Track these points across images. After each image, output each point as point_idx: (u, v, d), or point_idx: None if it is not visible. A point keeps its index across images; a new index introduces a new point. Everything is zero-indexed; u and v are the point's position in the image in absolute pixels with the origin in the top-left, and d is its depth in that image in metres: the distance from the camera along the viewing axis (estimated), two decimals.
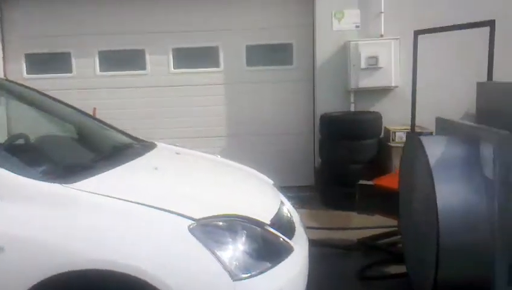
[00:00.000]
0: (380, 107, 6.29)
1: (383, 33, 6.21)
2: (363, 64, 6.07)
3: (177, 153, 3.57)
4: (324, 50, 6.37)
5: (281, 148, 6.71)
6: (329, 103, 6.36)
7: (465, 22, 4.42)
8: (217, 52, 6.69)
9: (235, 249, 2.44)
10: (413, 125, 4.74)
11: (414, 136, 3.29)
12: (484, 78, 4.15)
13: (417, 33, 4.61)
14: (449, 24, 4.73)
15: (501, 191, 2.60)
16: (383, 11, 6.19)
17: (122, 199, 2.43)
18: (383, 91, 6.30)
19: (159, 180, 2.86)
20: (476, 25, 3.95)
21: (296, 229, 3.07)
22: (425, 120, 5.80)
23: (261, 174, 3.65)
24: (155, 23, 6.55)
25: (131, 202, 2.44)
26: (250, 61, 6.69)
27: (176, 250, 2.35)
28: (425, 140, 3.00)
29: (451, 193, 2.78)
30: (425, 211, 3.00)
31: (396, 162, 5.50)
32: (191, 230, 2.38)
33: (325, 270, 2.95)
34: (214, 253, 2.35)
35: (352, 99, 6.35)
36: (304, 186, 6.57)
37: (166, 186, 2.79)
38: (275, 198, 3.21)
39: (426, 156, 2.89)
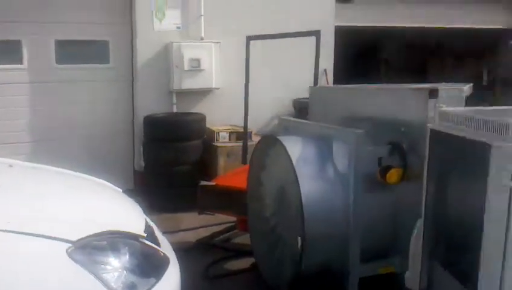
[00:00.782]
0: (202, 108, 6.39)
1: (203, 36, 6.33)
2: (186, 66, 6.10)
3: (10, 166, 3.03)
4: (145, 50, 6.19)
5: (98, 152, 6.25)
6: (150, 104, 6.22)
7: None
8: (20, 47, 5.90)
9: (120, 269, 2.22)
10: (245, 125, 4.97)
11: (272, 137, 3.44)
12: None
13: (249, 38, 4.86)
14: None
15: (356, 184, 2.93)
16: (203, 14, 6.29)
17: None
18: (205, 92, 6.43)
19: (7, 200, 2.38)
20: (303, 34, 4.36)
21: (158, 237, 2.93)
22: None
23: (109, 183, 3.37)
24: None
25: None
26: (60, 59, 6.07)
27: (56, 281, 2.03)
28: (284, 140, 3.18)
29: (312, 188, 3.01)
30: (287, 206, 3.20)
31: (221, 161, 5.71)
32: (69, 254, 2.07)
33: None
34: (99, 277, 2.10)
35: (174, 101, 6.32)
36: (124, 191, 6.26)
37: (20, 206, 2.34)
38: (136, 208, 3.00)
39: (288, 155, 3.07)
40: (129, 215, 2.71)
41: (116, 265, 2.21)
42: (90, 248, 2.17)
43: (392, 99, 3.22)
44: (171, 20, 6.21)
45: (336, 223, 3.01)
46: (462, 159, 2.34)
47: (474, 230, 2.20)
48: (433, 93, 2.82)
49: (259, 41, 6.06)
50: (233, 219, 4.62)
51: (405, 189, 2.98)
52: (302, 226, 2.94)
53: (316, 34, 4.29)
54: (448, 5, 7.70)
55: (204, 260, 4.31)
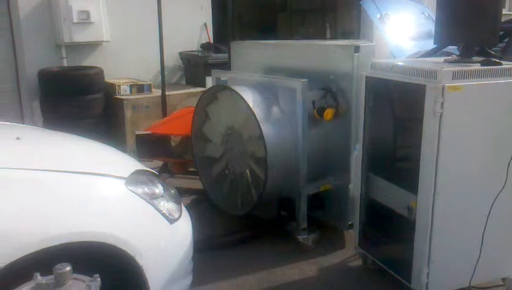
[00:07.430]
0: (93, 62, 6.39)
1: None
2: (75, 19, 6.00)
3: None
4: (26, 1, 5.89)
5: None
6: (37, 58, 6.02)
7: None
8: None
9: (161, 197, 2.63)
10: (163, 79, 5.28)
11: (227, 87, 3.95)
12: None
13: None
14: None
15: (303, 122, 3.68)
16: None
17: (46, 170, 2.26)
18: (96, 45, 6.42)
19: (47, 148, 2.61)
20: None
21: None
22: (135, 73, 6.43)
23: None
24: None
25: (58, 171, 2.29)
26: None
27: (126, 208, 2.42)
28: (240, 91, 3.75)
29: (268, 126, 3.66)
30: (248, 145, 3.83)
31: (128, 113, 5.95)
32: (128, 188, 2.44)
33: None
34: (152, 204, 2.51)
35: (64, 54, 6.19)
36: None
37: (61, 153, 2.60)
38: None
39: (247, 103, 3.66)
40: (132, 160, 3.05)
41: (158, 194, 2.62)
42: (139, 182, 2.55)
43: (321, 54, 3.98)
44: None
45: (287, 154, 3.75)
46: (395, 97, 3.25)
47: (409, 147, 3.16)
48: (357, 49, 3.68)
49: None
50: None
51: (335, 124, 3.84)
52: (265, 157, 3.61)
53: None
54: None
55: None
